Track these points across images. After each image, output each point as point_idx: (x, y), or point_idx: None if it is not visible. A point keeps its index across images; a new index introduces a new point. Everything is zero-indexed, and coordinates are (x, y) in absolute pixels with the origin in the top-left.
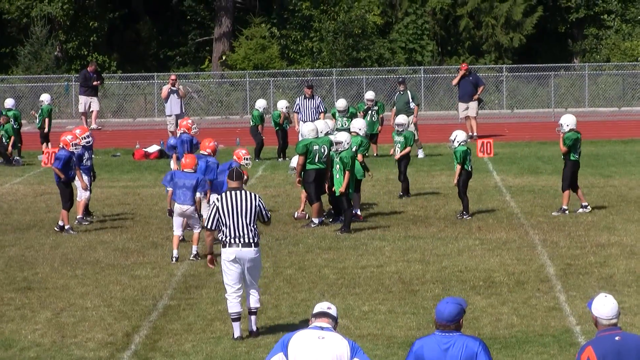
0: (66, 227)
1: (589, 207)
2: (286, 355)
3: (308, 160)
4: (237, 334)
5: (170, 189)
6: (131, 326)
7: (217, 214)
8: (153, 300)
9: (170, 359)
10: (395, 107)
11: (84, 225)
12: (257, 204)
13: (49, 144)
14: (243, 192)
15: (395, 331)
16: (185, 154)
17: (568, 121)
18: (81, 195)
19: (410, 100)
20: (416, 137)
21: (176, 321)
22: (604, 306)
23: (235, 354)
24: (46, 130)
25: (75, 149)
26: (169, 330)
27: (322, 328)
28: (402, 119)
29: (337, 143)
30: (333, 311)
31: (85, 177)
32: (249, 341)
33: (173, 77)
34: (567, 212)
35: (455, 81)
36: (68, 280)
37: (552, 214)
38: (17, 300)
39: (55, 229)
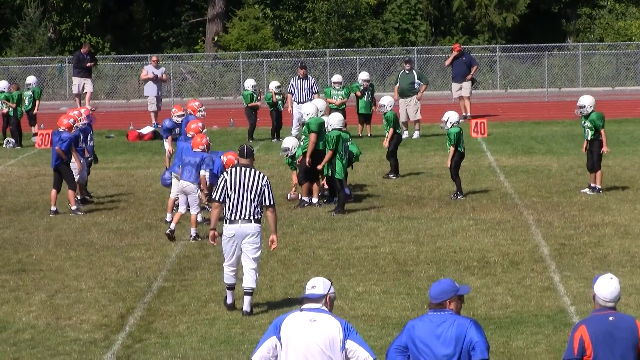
0: (73, 207)
1: (599, 190)
2: (279, 338)
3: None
4: (229, 300)
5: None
6: (126, 308)
7: (224, 186)
8: (147, 281)
9: (165, 340)
10: (398, 86)
11: (83, 207)
12: (262, 184)
13: (42, 125)
14: (252, 169)
15: (390, 312)
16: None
17: (589, 102)
18: (77, 178)
19: (416, 80)
20: (418, 118)
21: (170, 303)
22: (605, 287)
23: (229, 335)
24: (35, 111)
25: (75, 129)
26: (163, 312)
27: (314, 309)
28: (385, 99)
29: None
30: (318, 289)
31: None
32: (244, 322)
33: (154, 58)
34: (601, 191)
35: (448, 62)
36: (62, 262)
37: (584, 191)
38: (12, 282)
39: (78, 212)
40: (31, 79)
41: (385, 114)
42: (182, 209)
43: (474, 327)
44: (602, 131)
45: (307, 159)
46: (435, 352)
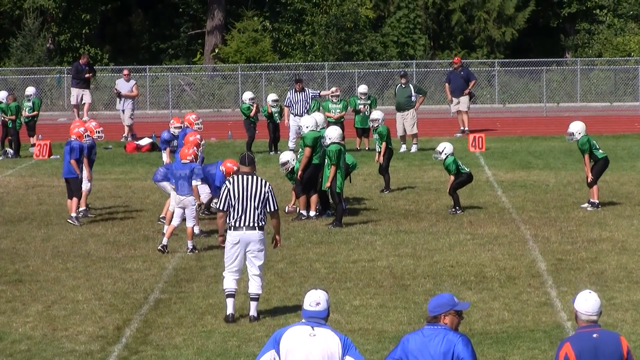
0: (72, 214)
1: (598, 206)
2: (278, 352)
3: (314, 154)
4: (229, 310)
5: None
6: (122, 319)
7: (227, 195)
8: (144, 293)
9: (161, 352)
10: (396, 100)
11: (88, 217)
12: (266, 191)
13: (40, 136)
14: (254, 177)
15: (386, 326)
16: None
17: (579, 128)
18: (85, 187)
19: (413, 93)
20: (415, 132)
21: (167, 315)
22: (585, 301)
23: (226, 348)
24: (25, 120)
25: (87, 140)
26: (160, 324)
27: (315, 323)
28: (376, 114)
29: (323, 137)
30: (322, 306)
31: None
32: (240, 335)
33: (125, 72)
34: (599, 206)
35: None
36: (59, 273)
37: (584, 206)
38: (8, 293)
39: (76, 222)
40: (31, 90)
41: (377, 128)
42: (175, 222)
43: (462, 343)
44: (585, 156)
45: (299, 173)
46: None
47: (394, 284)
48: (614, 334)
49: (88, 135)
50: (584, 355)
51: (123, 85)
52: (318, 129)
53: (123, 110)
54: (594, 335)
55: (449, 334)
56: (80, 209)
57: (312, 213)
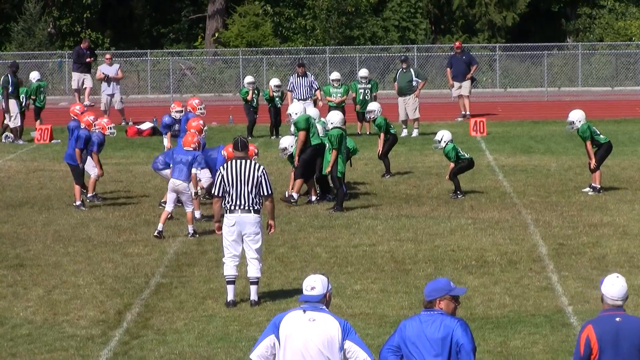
0: (77, 202)
1: (599, 190)
2: (277, 337)
3: (310, 135)
4: (230, 297)
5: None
6: (123, 304)
7: (222, 181)
8: (145, 278)
9: (162, 337)
10: (397, 85)
11: (96, 203)
12: (259, 175)
13: (41, 120)
14: (248, 161)
15: (387, 310)
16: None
17: (578, 117)
18: (93, 174)
19: (414, 78)
20: (417, 117)
21: (168, 299)
22: (613, 285)
23: (227, 332)
24: (27, 105)
25: (97, 130)
26: (160, 308)
27: (314, 308)
28: (372, 105)
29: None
30: (318, 290)
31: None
32: (241, 319)
33: (108, 56)
34: (601, 191)
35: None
36: (60, 258)
37: (585, 191)
38: (9, 278)
39: (78, 207)
40: (31, 75)
41: (375, 120)
42: (169, 208)
43: (460, 328)
44: (587, 143)
45: (296, 158)
46: (423, 353)
47: (395, 269)
48: (637, 319)
49: (98, 127)
50: (605, 339)
51: (108, 70)
52: (314, 121)
53: (111, 95)
54: (617, 319)
55: (446, 319)
56: (89, 195)
57: (313, 197)
